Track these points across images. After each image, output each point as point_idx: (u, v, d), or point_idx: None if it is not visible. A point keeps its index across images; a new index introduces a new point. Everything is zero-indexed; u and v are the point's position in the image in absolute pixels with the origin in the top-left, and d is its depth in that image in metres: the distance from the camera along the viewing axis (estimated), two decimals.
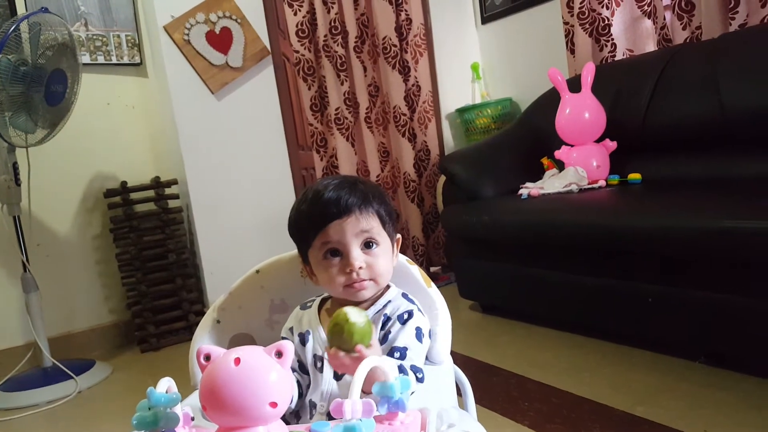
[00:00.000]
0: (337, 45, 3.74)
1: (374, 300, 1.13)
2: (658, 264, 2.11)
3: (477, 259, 2.97)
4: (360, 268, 1.08)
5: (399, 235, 1.19)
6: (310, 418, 1.06)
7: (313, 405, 1.07)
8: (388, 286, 1.16)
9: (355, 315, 0.91)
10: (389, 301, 1.12)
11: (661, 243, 2.04)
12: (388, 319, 1.09)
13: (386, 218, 1.14)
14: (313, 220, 1.10)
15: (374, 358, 0.81)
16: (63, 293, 3.32)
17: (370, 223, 1.10)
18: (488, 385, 2.20)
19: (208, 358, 0.71)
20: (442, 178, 3.36)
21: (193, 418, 0.87)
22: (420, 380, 1.03)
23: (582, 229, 2.34)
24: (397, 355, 1.03)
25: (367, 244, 1.10)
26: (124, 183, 3.36)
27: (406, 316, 1.08)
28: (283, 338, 1.15)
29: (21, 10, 3.13)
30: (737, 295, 1.88)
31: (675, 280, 2.06)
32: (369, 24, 3.86)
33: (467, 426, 0.82)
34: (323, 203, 1.09)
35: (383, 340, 1.07)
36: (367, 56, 3.87)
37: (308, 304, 1.20)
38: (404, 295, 1.14)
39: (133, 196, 3.36)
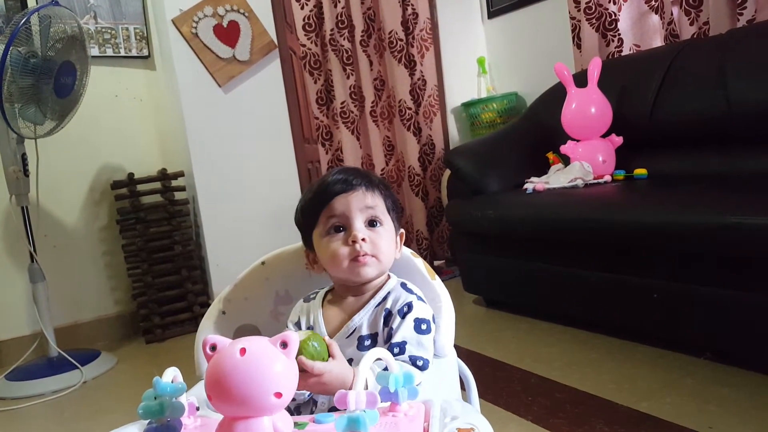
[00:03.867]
0: (344, 39, 3.74)
1: (375, 292, 1.14)
2: (663, 260, 2.11)
3: (481, 253, 2.97)
4: (363, 240, 1.09)
5: (402, 230, 1.20)
6: (311, 412, 1.07)
7: (314, 402, 1.07)
8: (388, 276, 1.17)
9: (311, 343, 0.94)
10: (389, 293, 1.13)
11: (666, 239, 2.04)
12: (389, 313, 1.10)
13: (391, 205, 1.17)
14: (319, 197, 1.13)
15: (377, 350, 0.81)
16: (69, 284, 3.34)
17: (375, 200, 1.13)
18: (492, 379, 2.21)
19: (213, 348, 0.72)
20: (447, 172, 3.36)
21: (198, 408, 0.88)
22: (421, 368, 1.04)
23: (587, 224, 2.34)
24: (396, 350, 1.04)
25: (371, 222, 1.12)
26: (131, 175, 3.37)
27: (405, 309, 1.09)
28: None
29: (32, 2, 3.15)
30: (743, 291, 1.88)
31: (680, 276, 2.06)
32: (375, 18, 3.86)
33: (471, 418, 0.82)
34: (329, 182, 1.13)
35: (388, 336, 1.08)
36: (373, 50, 3.87)
37: (312, 296, 1.21)
38: (403, 285, 1.15)
39: (140, 187, 3.38)
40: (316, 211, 1.14)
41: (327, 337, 0.99)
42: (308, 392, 1.05)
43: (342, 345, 1.08)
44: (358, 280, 1.13)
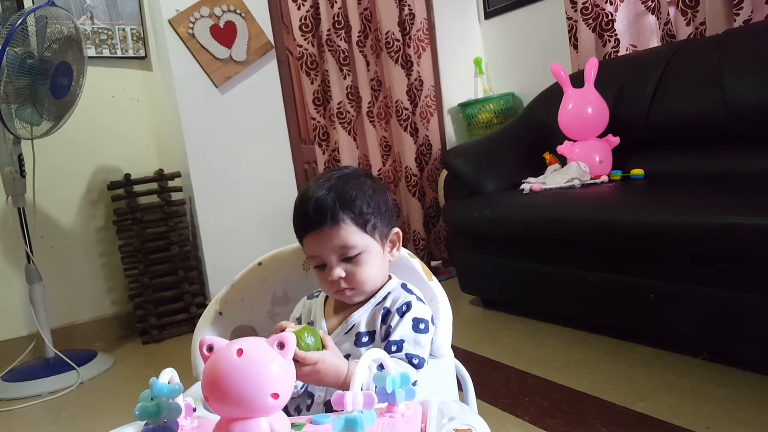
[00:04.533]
0: (341, 39, 3.74)
1: (375, 291, 1.15)
2: (660, 260, 2.11)
3: (478, 253, 2.98)
4: (340, 278, 1.10)
5: (398, 229, 1.19)
6: (308, 407, 1.07)
7: (310, 394, 1.08)
8: (389, 277, 1.17)
9: (305, 336, 0.96)
10: (389, 293, 1.14)
11: (663, 239, 2.04)
12: (387, 312, 1.11)
13: (369, 219, 1.12)
14: (297, 227, 1.14)
15: (374, 351, 0.82)
16: (66, 284, 3.33)
17: (342, 236, 1.09)
18: (489, 379, 2.21)
19: (210, 349, 0.72)
20: (444, 173, 3.36)
21: (195, 409, 0.88)
22: (417, 366, 1.05)
23: (584, 224, 2.34)
24: (393, 348, 1.05)
25: (346, 255, 1.10)
26: (127, 175, 3.37)
27: (404, 308, 1.10)
28: None
29: (28, 3, 3.15)
30: (739, 291, 1.88)
31: (677, 276, 2.06)
32: (372, 19, 3.86)
33: (468, 419, 0.82)
34: (301, 211, 1.12)
35: (385, 334, 1.09)
36: (369, 51, 3.87)
37: (315, 294, 1.22)
38: (404, 286, 1.16)
39: (137, 188, 3.37)
40: (299, 237, 1.15)
41: (321, 331, 1.00)
42: (302, 385, 1.06)
43: (340, 341, 1.10)
44: (349, 303, 1.15)
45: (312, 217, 1.09)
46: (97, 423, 2.31)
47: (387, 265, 1.17)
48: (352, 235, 1.09)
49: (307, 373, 0.94)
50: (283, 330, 0.95)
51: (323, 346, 0.97)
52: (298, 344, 0.92)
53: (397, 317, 1.09)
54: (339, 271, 1.09)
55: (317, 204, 1.09)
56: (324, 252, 1.10)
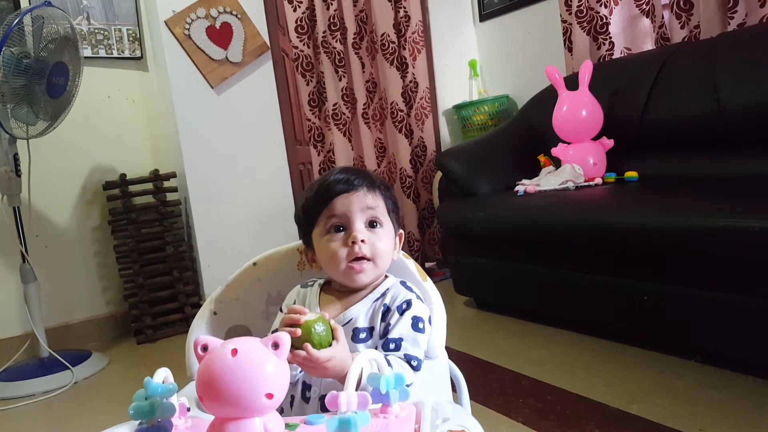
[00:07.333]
0: (336, 41, 3.75)
1: (373, 288, 1.14)
2: (654, 262, 2.12)
3: (472, 255, 2.98)
4: (362, 241, 1.10)
5: (401, 231, 1.21)
6: (302, 396, 1.07)
7: (307, 387, 1.07)
8: (386, 276, 1.17)
9: (317, 326, 0.94)
10: (388, 289, 1.14)
11: (657, 241, 2.04)
12: (387, 309, 1.10)
13: (391, 206, 1.18)
14: (320, 196, 1.14)
15: (369, 351, 0.82)
16: (61, 284, 3.33)
17: (376, 201, 1.14)
18: (483, 381, 2.21)
19: (205, 348, 0.72)
20: (439, 174, 3.36)
21: (189, 409, 0.88)
22: (415, 368, 1.04)
23: (578, 226, 2.35)
24: (392, 346, 1.05)
25: (372, 223, 1.13)
26: (123, 175, 3.37)
27: (404, 306, 1.10)
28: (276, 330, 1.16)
29: (24, 3, 3.15)
30: (733, 293, 1.88)
31: (671, 278, 2.07)
32: (368, 20, 3.86)
33: (462, 420, 0.82)
34: (331, 182, 1.14)
35: (384, 331, 1.09)
36: (365, 52, 3.87)
37: (309, 283, 1.21)
38: (403, 284, 1.16)
39: (132, 188, 3.38)
40: (317, 210, 1.14)
41: (332, 321, 0.99)
42: (296, 374, 1.06)
43: None
44: (352, 285, 1.13)
45: (350, 178, 1.13)
46: (91, 423, 2.31)
47: (391, 260, 1.17)
48: (381, 206, 1.15)
49: (317, 368, 0.93)
50: (297, 314, 0.95)
51: (333, 337, 0.96)
52: (309, 334, 0.92)
53: (396, 315, 1.09)
54: (363, 229, 1.11)
55: (357, 171, 1.16)
56: (353, 210, 1.11)
